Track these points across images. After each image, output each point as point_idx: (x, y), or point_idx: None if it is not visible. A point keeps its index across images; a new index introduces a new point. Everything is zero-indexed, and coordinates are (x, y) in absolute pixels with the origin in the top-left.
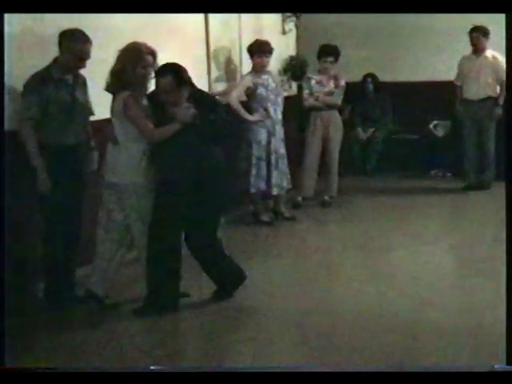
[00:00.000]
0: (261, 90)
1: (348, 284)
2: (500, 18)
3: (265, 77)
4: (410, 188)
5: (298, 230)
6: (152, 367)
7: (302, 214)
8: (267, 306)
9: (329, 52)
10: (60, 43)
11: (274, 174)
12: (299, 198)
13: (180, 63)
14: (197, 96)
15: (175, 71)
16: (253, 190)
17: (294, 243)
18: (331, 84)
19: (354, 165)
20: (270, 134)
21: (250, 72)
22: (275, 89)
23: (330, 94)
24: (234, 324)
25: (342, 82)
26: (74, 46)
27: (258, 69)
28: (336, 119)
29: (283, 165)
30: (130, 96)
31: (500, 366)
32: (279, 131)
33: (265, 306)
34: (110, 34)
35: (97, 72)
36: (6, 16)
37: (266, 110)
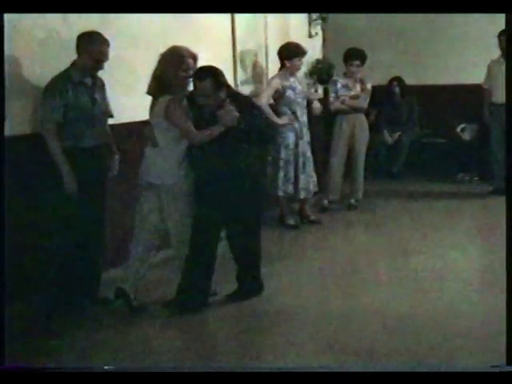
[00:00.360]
0: (289, 93)
1: (373, 288)
2: None
3: (292, 79)
4: (436, 192)
5: (323, 233)
6: (152, 367)
7: (327, 218)
8: (293, 309)
9: (356, 56)
10: (78, 46)
11: (302, 177)
12: (325, 202)
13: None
14: (235, 98)
15: (214, 74)
16: (280, 193)
17: (319, 247)
18: (357, 87)
19: (381, 168)
20: (298, 137)
21: (278, 74)
22: (302, 91)
23: (356, 97)
24: (259, 327)
25: (368, 86)
26: (92, 48)
27: (294, 71)
28: (362, 122)
29: (309, 168)
30: (172, 100)
31: (500, 365)
32: (306, 134)
33: (290, 309)
34: (135, 36)
35: (123, 74)
36: (32, 17)
37: (294, 113)
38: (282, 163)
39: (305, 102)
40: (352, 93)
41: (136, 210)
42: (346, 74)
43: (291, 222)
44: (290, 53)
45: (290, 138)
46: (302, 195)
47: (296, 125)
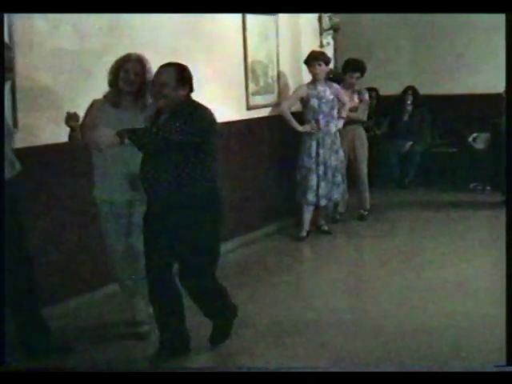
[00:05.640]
0: (313, 102)
1: (385, 298)
2: None
3: (322, 88)
4: (448, 201)
5: (335, 243)
6: (152, 367)
7: (339, 229)
8: (303, 319)
9: (355, 67)
10: None
11: (322, 185)
12: (337, 213)
13: (218, 76)
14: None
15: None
16: (303, 201)
17: (331, 257)
18: (355, 99)
19: (393, 178)
20: (319, 146)
21: (307, 83)
22: (331, 101)
23: (355, 109)
24: (273, 338)
25: (366, 97)
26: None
27: (316, 78)
28: (360, 134)
29: (334, 177)
30: (94, 101)
31: (500, 366)
32: (329, 143)
33: (301, 320)
34: (146, 49)
35: None
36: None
37: (316, 121)
38: (304, 171)
39: (333, 112)
40: (351, 105)
41: None
42: (343, 86)
43: (302, 234)
44: (307, 59)
45: (312, 146)
46: (323, 203)
47: (318, 133)
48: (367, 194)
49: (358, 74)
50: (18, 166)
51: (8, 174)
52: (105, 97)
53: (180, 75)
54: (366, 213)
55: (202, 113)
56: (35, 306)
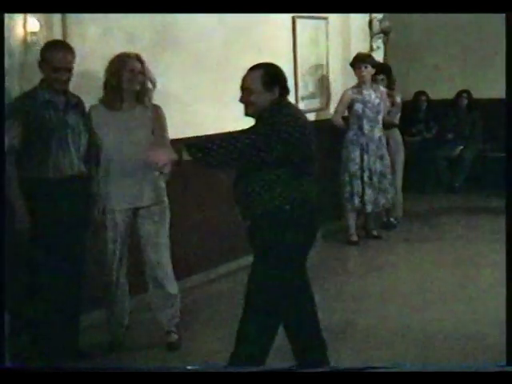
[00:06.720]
0: (357, 107)
1: (436, 303)
2: None
3: (367, 92)
4: (499, 207)
5: (382, 249)
6: (152, 367)
7: (389, 233)
8: (356, 324)
9: (379, 71)
10: (40, 60)
11: (368, 191)
12: (392, 219)
13: None
14: None
15: None
16: (347, 206)
17: (381, 262)
18: (387, 102)
19: (442, 183)
20: (363, 152)
21: (352, 87)
22: (377, 106)
23: (387, 112)
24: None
25: (398, 100)
26: (52, 56)
27: (361, 81)
28: (395, 137)
29: (380, 183)
30: (90, 107)
31: (500, 365)
32: (374, 149)
33: (353, 325)
34: (198, 53)
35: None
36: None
37: (360, 127)
38: (347, 176)
39: (378, 117)
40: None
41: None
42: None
43: (353, 238)
44: (353, 61)
45: (356, 151)
46: (369, 209)
47: (362, 139)
48: (401, 201)
49: (381, 77)
50: (76, 168)
51: (63, 172)
52: (101, 101)
53: (266, 78)
54: (396, 221)
55: (284, 124)
56: (76, 310)
